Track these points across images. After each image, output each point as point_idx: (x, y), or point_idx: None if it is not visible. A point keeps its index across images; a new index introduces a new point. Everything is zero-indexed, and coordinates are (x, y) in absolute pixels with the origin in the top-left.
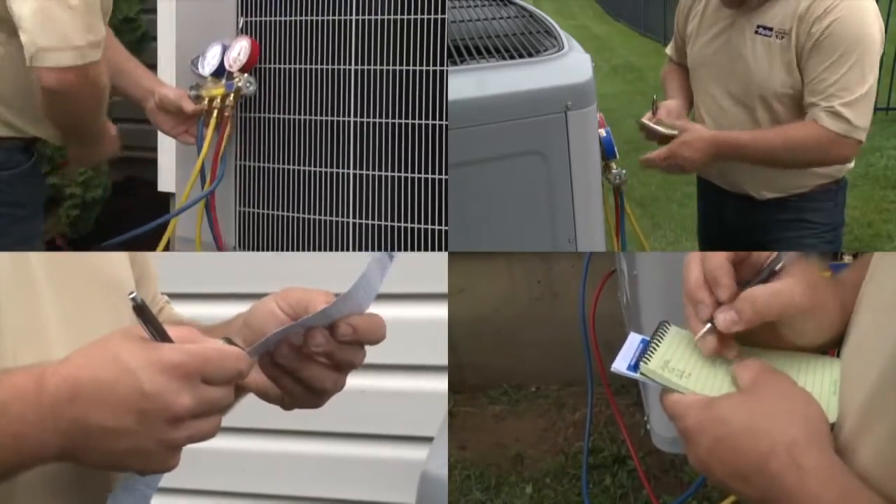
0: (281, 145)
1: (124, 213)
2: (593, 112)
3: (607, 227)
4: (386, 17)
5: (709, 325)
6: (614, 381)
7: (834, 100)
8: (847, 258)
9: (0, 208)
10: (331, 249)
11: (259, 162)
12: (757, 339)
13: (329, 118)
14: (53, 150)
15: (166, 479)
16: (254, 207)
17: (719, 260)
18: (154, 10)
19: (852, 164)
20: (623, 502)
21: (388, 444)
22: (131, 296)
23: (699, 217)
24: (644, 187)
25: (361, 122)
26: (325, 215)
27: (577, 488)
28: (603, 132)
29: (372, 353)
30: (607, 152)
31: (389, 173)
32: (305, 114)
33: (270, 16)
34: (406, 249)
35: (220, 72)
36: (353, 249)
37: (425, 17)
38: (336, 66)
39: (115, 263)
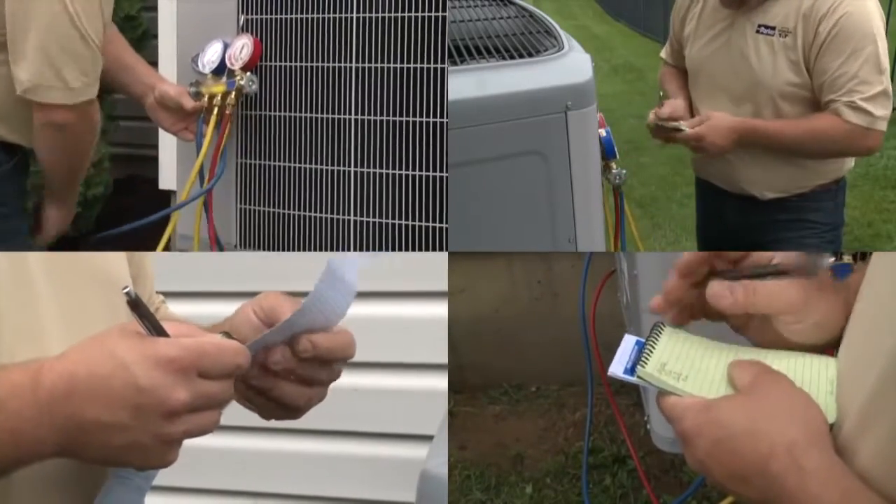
0: (281, 143)
1: (125, 211)
2: (593, 112)
3: (607, 227)
4: (386, 14)
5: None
6: (614, 382)
7: (854, 95)
8: (846, 258)
9: None
10: (331, 247)
11: (260, 159)
12: (756, 338)
13: (329, 116)
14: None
15: (165, 478)
16: (254, 205)
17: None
18: (155, 8)
19: (852, 164)
20: (623, 502)
21: (388, 443)
22: (125, 290)
23: (698, 217)
24: (644, 187)
25: (362, 120)
26: (326, 213)
27: (577, 488)
28: (603, 132)
29: (372, 352)
30: (607, 152)
31: (390, 171)
32: (306, 111)
33: (271, 13)
34: (406, 246)
35: (220, 69)
36: (354, 246)
37: (426, 14)
38: (336, 64)
39: (112, 262)
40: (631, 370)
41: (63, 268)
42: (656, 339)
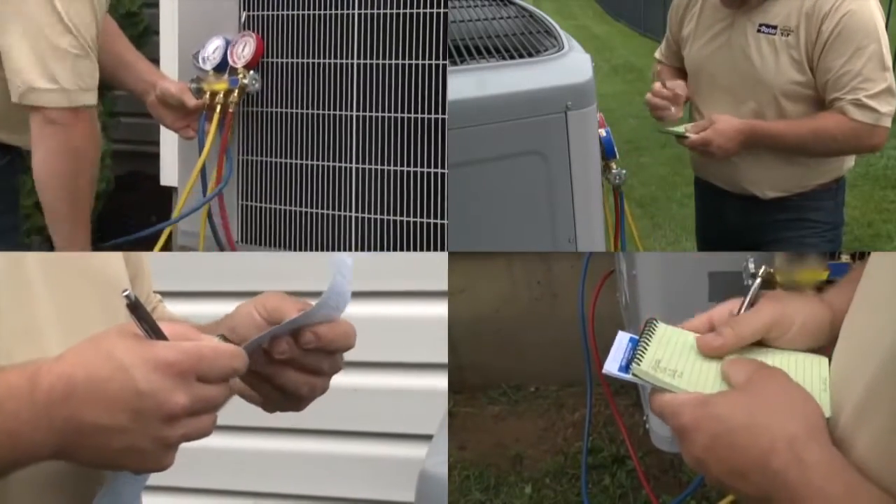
0: (282, 139)
1: (126, 208)
2: (593, 112)
3: (606, 227)
4: (387, 11)
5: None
6: (613, 382)
7: (859, 92)
8: (845, 258)
9: None
10: (332, 242)
11: (261, 156)
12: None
13: (330, 112)
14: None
15: (165, 477)
16: (255, 201)
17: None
18: (156, 5)
19: (853, 163)
20: (622, 502)
21: (387, 443)
22: (125, 293)
23: (698, 217)
24: (644, 187)
25: (362, 117)
26: (327, 209)
27: (576, 488)
28: (603, 132)
29: (372, 352)
30: (607, 152)
31: (390, 167)
32: (307, 108)
33: (272, 10)
34: (406, 243)
35: (222, 66)
36: (355, 242)
37: (426, 11)
38: (337, 61)
39: (110, 262)
40: (625, 368)
41: (60, 268)
42: (650, 336)
